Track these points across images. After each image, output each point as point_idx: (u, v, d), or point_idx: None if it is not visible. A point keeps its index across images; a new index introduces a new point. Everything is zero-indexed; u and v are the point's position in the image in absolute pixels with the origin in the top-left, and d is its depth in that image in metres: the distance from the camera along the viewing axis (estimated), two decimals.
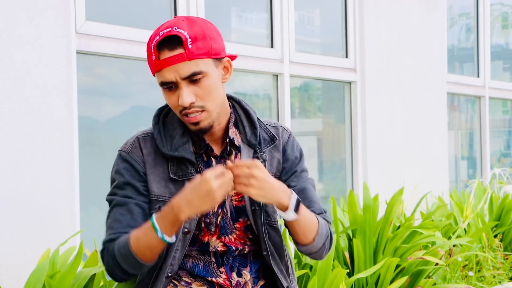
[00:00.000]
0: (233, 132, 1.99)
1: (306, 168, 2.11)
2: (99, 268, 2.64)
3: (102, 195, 3.72)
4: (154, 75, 1.89)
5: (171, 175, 1.91)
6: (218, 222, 1.95)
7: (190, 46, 1.79)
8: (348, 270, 3.49)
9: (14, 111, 2.94)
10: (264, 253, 1.98)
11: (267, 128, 2.04)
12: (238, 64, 4.05)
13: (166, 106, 2.02)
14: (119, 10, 3.81)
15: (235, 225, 1.97)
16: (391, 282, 3.74)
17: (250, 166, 1.77)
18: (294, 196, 1.86)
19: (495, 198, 5.66)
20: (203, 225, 1.94)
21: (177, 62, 1.79)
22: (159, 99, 4.38)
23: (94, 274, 2.59)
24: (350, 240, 3.96)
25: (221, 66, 1.90)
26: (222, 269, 1.97)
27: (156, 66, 1.83)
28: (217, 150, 1.98)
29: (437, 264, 4.01)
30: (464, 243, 4.54)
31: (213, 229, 1.95)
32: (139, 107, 3.98)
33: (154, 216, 1.81)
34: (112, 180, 1.99)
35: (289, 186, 1.97)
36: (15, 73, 2.95)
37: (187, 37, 1.79)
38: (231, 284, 1.97)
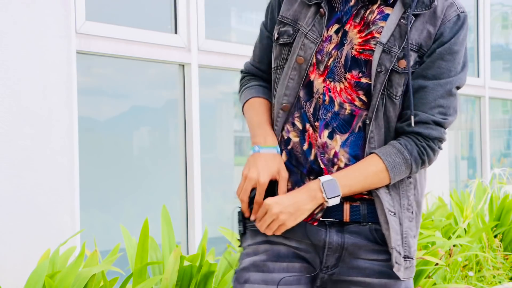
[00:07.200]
0: None
1: (459, 60, 1.75)
2: (99, 268, 2.65)
3: (102, 195, 3.74)
4: None
5: None
6: (328, 64, 1.76)
7: None
8: None
9: (14, 111, 2.94)
10: (367, 121, 1.72)
11: None
12: (239, 64, 4.04)
13: None
14: (119, 10, 3.81)
15: (346, 75, 1.75)
16: None
17: (263, 209, 1.70)
18: (324, 183, 1.68)
19: (495, 198, 5.66)
20: (314, 60, 1.77)
21: None
22: (159, 99, 4.40)
23: (94, 274, 2.60)
24: None
25: None
26: (317, 123, 1.75)
27: None
28: None
29: (437, 264, 4.01)
30: (464, 243, 4.54)
31: (321, 68, 1.77)
32: (139, 107, 3.98)
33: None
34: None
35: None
36: (15, 73, 2.95)
37: None
38: (317, 141, 1.75)
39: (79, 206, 3.23)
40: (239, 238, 1.84)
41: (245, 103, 1.92)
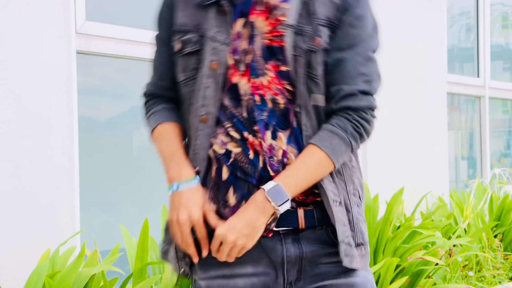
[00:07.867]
0: None
1: (368, 23, 1.69)
2: (99, 268, 2.65)
3: (102, 195, 3.74)
4: None
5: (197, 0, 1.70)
6: (247, 62, 1.66)
7: None
8: None
9: (14, 111, 2.94)
10: (297, 109, 1.64)
11: None
12: None
13: None
14: (119, 10, 3.81)
15: (267, 65, 1.66)
16: (391, 282, 3.74)
17: (217, 240, 1.60)
18: (269, 192, 1.58)
19: (495, 198, 5.66)
20: (230, 61, 1.66)
21: None
22: None
23: (94, 274, 2.60)
24: None
25: None
26: (256, 127, 1.65)
27: None
28: None
29: (437, 264, 4.01)
30: (464, 243, 4.54)
31: (242, 68, 1.66)
32: (139, 107, 3.97)
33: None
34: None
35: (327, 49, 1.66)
36: (15, 73, 2.95)
37: None
38: (262, 146, 1.64)
39: (79, 206, 3.23)
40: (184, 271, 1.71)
41: (152, 131, 1.83)
